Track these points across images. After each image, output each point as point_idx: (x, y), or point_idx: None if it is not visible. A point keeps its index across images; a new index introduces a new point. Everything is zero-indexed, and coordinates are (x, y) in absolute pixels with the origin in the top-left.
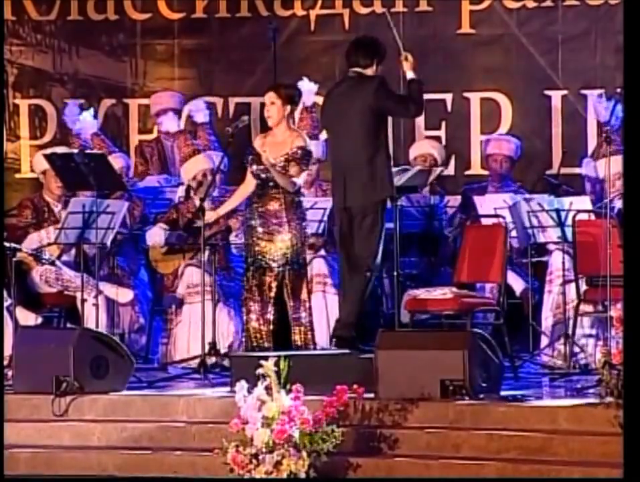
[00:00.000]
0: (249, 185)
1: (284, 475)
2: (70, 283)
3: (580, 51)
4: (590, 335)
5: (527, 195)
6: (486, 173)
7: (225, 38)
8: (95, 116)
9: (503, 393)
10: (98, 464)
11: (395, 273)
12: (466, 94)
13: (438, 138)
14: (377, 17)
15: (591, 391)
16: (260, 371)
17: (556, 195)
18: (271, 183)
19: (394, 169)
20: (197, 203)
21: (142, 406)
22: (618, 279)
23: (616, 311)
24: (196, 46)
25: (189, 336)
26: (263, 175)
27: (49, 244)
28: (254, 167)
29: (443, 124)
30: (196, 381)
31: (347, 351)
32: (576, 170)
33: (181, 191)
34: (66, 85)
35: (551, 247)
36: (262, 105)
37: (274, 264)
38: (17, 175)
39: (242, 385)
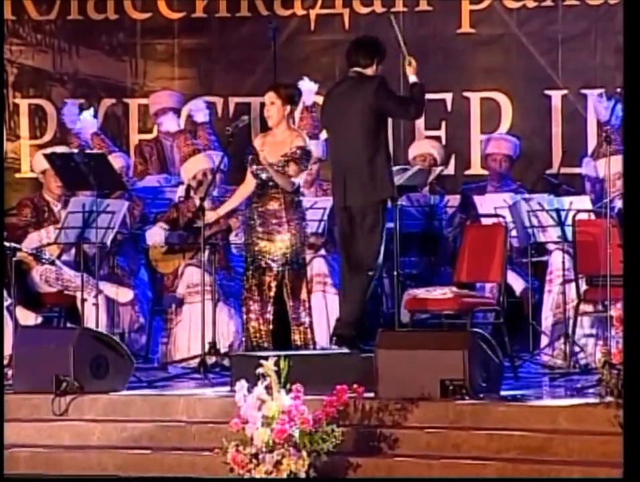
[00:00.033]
0: (249, 184)
1: (284, 475)
2: (70, 283)
3: (580, 51)
4: (590, 335)
5: (527, 195)
6: (486, 172)
7: (225, 38)
8: (95, 116)
9: (503, 393)
10: (98, 464)
11: (395, 273)
12: (466, 94)
13: (438, 138)
14: (377, 16)
15: (591, 391)
16: (260, 370)
17: (556, 195)
18: (271, 183)
19: (394, 169)
20: (197, 202)
21: (142, 405)
22: (618, 279)
23: (616, 311)
24: (196, 46)
25: (189, 336)
26: (263, 175)
27: (49, 244)
28: (254, 166)
29: (443, 124)
30: (196, 380)
31: (347, 351)
32: (576, 170)
33: (181, 191)
34: (66, 85)
35: (551, 247)
36: (262, 105)
37: (273, 264)
38: (17, 175)
39: (242, 385)
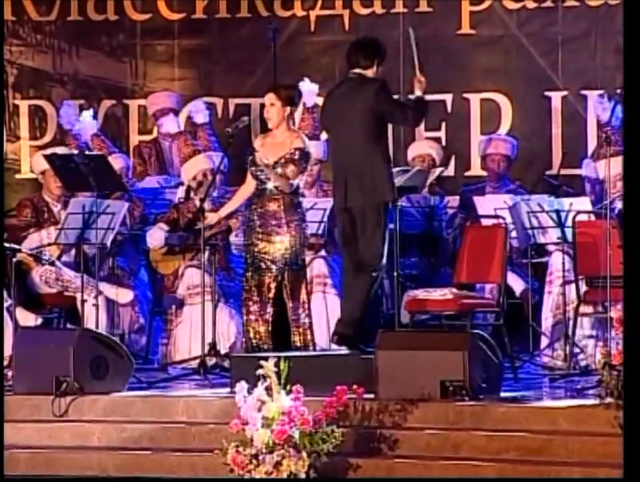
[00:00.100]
0: (249, 185)
1: (284, 476)
2: (70, 283)
3: (580, 52)
4: (590, 336)
5: (527, 196)
6: (486, 174)
7: (225, 38)
8: (95, 117)
9: (503, 394)
10: (98, 464)
11: (395, 273)
12: (466, 95)
13: (438, 139)
14: (377, 17)
15: (591, 392)
16: (260, 371)
17: (556, 196)
18: (270, 184)
19: (394, 170)
20: (197, 203)
21: (142, 406)
22: (618, 280)
23: (616, 312)
24: (196, 46)
25: (190, 337)
26: (262, 176)
27: (49, 244)
28: (254, 167)
29: (443, 125)
30: (196, 381)
31: (346, 351)
32: (576, 171)
33: (181, 192)
34: (66, 85)
35: (551, 248)
36: (262, 106)
37: (273, 265)
38: (17, 176)
39: (242, 386)
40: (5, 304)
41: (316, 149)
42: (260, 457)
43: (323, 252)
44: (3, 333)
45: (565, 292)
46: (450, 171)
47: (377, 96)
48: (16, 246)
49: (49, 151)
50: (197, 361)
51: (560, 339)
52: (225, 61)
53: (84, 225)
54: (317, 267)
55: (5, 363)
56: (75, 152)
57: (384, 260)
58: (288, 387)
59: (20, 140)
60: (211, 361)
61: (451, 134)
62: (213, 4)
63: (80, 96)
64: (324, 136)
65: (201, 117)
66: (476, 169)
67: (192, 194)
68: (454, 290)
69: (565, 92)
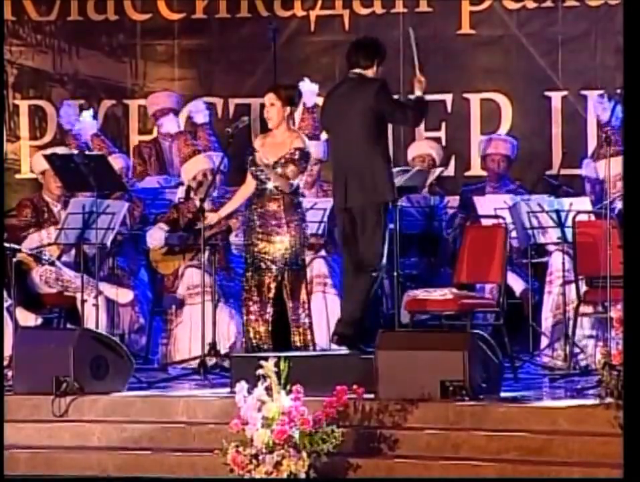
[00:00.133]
0: (249, 185)
1: (284, 476)
2: (70, 283)
3: (580, 52)
4: (590, 336)
5: (527, 195)
6: (486, 173)
7: (225, 38)
8: (95, 117)
9: (503, 394)
10: (98, 464)
11: (395, 273)
12: (466, 95)
13: (438, 139)
14: (377, 17)
15: (591, 392)
16: (260, 371)
17: (556, 196)
18: (270, 184)
19: (394, 170)
20: (197, 203)
21: (142, 406)
22: (618, 280)
23: (616, 312)
24: (196, 46)
25: (190, 337)
26: (262, 176)
27: (49, 244)
28: (253, 167)
29: (443, 125)
30: (196, 381)
31: (346, 351)
32: (576, 171)
33: (181, 192)
34: (66, 85)
35: (551, 248)
36: (262, 106)
37: (273, 265)
38: (17, 176)
39: (242, 386)
40: (5, 304)
41: (316, 149)
42: (260, 457)
43: (323, 252)
44: (3, 333)
45: (565, 292)
46: (450, 171)
47: (377, 96)
48: (16, 246)
49: (49, 151)
50: (197, 361)
51: (560, 339)
52: (225, 61)
53: (84, 225)
54: (317, 267)
55: (5, 363)
56: (75, 152)
57: (384, 260)
58: (288, 387)
59: (20, 140)
60: (211, 361)
61: (451, 134)
62: (213, 4)
63: (80, 96)
64: (324, 136)
65: (201, 117)
66: (476, 169)
67: (192, 194)
68: (454, 290)
69: (565, 92)
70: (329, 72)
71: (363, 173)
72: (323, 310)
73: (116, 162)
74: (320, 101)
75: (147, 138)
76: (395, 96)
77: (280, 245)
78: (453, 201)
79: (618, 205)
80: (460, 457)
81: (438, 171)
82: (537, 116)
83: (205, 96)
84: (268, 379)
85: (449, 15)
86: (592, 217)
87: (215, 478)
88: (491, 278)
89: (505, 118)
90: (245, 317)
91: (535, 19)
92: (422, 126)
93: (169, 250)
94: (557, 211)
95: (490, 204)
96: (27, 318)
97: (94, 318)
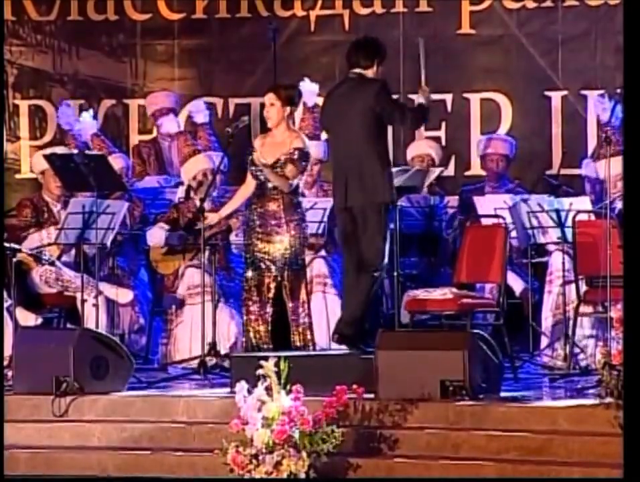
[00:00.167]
0: (249, 185)
1: (284, 476)
2: (70, 283)
3: (580, 52)
4: (590, 336)
5: (526, 195)
6: (485, 173)
7: (225, 38)
8: (95, 117)
9: (503, 393)
10: (98, 464)
11: (395, 273)
12: (466, 95)
13: (438, 139)
14: (377, 17)
15: (591, 391)
16: (260, 371)
17: (556, 196)
18: (270, 184)
19: (394, 170)
20: (197, 203)
21: (142, 406)
22: (618, 280)
23: (616, 312)
24: (196, 46)
25: (190, 336)
26: (262, 176)
27: (49, 244)
28: (253, 167)
29: (443, 124)
30: (196, 381)
31: (346, 351)
32: (576, 170)
33: (181, 192)
34: (66, 85)
35: (551, 247)
36: (262, 105)
37: (272, 265)
38: (17, 176)
39: (242, 386)
40: (5, 304)
41: (316, 149)
42: (260, 457)
43: (323, 252)
44: (3, 333)
45: (565, 292)
46: (450, 170)
47: (377, 96)
48: (16, 246)
49: (49, 151)
50: (197, 361)
51: (559, 339)
52: (225, 61)
53: (83, 225)
54: (317, 267)
55: (5, 363)
56: (75, 152)
57: (386, 260)
58: (288, 387)
59: (20, 140)
60: (211, 361)
61: (451, 133)
62: (213, 4)
63: (80, 95)
64: (324, 136)
65: (202, 117)
66: (476, 169)
67: (192, 194)
68: (454, 290)
69: (565, 92)
70: (329, 72)
71: (363, 173)
72: (323, 310)
73: (116, 162)
74: (320, 101)
75: (147, 138)
76: (395, 96)
77: (279, 245)
78: (453, 201)
79: (619, 205)
80: (460, 457)
81: (437, 171)
82: (537, 116)
83: (205, 95)
84: (268, 379)
85: (449, 15)
86: (592, 217)
87: (215, 478)
88: (491, 278)
89: (505, 117)
90: (245, 317)
91: (535, 18)
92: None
93: (169, 250)
94: (557, 211)
95: (490, 204)
96: (27, 318)
97: (94, 318)
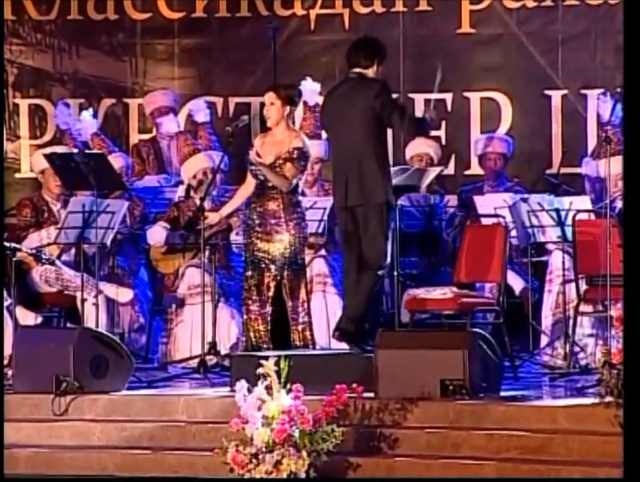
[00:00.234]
0: (250, 185)
1: (284, 475)
2: (70, 283)
3: (580, 51)
4: (590, 335)
5: (526, 193)
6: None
7: (225, 38)
8: (95, 116)
9: (503, 392)
10: (98, 464)
11: (395, 273)
12: (466, 94)
13: (438, 138)
14: (377, 16)
15: (591, 390)
16: (260, 370)
17: (556, 195)
18: (270, 183)
19: (394, 169)
20: (198, 202)
21: (142, 405)
22: (618, 279)
23: (616, 311)
24: (196, 46)
25: (190, 336)
26: (261, 175)
27: (49, 244)
28: (253, 166)
29: (443, 124)
30: (196, 380)
31: (347, 350)
32: (576, 170)
33: (181, 191)
34: (66, 85)
35: (551, 246)
36: (262, 105)
37: (272, 264)
38: (17, 175)
39: (242, 385)
40: (5, 304)
41: (317, 148)
42: (260, 456)
43: (323, 252)
44: (3, 332)
45: (565, 291)
46: (450, 169)
47: (378, 96)
48: (16, 246)
49: (49, 150)
50: (197, 360)
51: (559, 338)
52: (225, 60)
53: (83, 225)
54: (317, 266)
55: (5, 362)
56: (75, 151)
57: (389, 259)
58: (288, 386)
59: (20, 139)
60: (211, 361)
61: (451, 133)
62: (213, 3)
63: (80, 95)
64: (325, 135)
65: (202, 116)
66: (476, 168)
67: (192, 193)
68: (454, 289)
69: (565, 91)
70: (329, 71)
71: (362, 173)
72: (323, 310)
73: (116, 161)
74: (321, 100)
75: (147, 137)
76: (395, 95)
77: (279, 244)
78: (453, 200)
79: (619, 204)
80: (460, 456)
81: (437, 170)
82: (537, 115)
83: (205, 95)
84: (268, 378)
85: (449, 14)
86: (592, 216)
87: (215, 477)
88: (490, 277)
89: (505, 117)
90: (245, 316)
91: (535, 17)
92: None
93: (169, 249)
94: (557, 210)
95: (490, 203)
96: (27, 318)
97: (94, 317)
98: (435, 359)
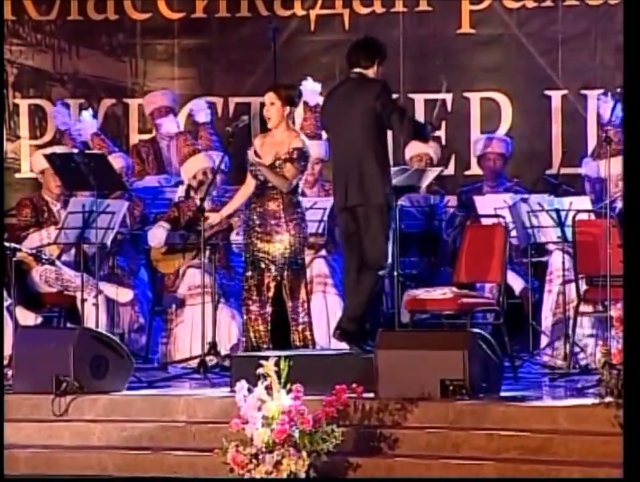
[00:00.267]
0: (250, 185)
1: (284, 475)
2: (70, 283)
3: (580, 51)
4: (590, 335)
5: (525, 193)
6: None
7: (225, 38)
8: (95, 116)
9: (503, 393)
10: (98, 464)
11: (395, 273)
12: (466, 94)
13: (438, 139)
14: (377, 16)
15: (591, 391)
16: (260, 371)
17: (556, 195)
18: (269, 184)
19: (394, 170)
20: (198, 202)
21: (142, 405)
22: (618, 279)
23: (616, 311)
24: (196, 46)
25: (190, 336)
26: (261, 176)
27: (49, 244)
28: (252, 167)
29: (443, 124)
30: (196, 381)
31: (347, 350)
32: (576, 170)
33: (181, 191)
34: (66, 85)
35: (551, 247)
36: (262, 105)
37: (272, 265)
38: (17, 175)
39: (242, 385)
40: (5, 304)
41: (318, 148)
42: (260, 456)
43: (323, 252)
44: (3, 332)
45: (565, 291)
46: (451, 170)
47: (378, 97)
48: (16, 246)
49: (49, 150)
50: (197, 360)
51: (559, 338)
52: (225, 61)
53: (83, 225)
54: (318, 267)
55: (5, 362)
56: (76, 151)
57: (390, 259)
58: (288, 386)
59: (20, 139)
60: (211, 361)
61: (451, 133)
62: (213, 3)
63: (80, 95)
64: (326, 135)
65: (203, 116)
66: (476, 169)
67: (192, 193)
68: (454, 289)
69: (565, 91)
70: (329, 72)
71: (362, 174)
72: (323, 310)
73: (116, 161)
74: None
75: (147, 137)
76: (395, 96)
77: (279, 244)
78: (453, 200)
79: (619, 204)
80: (460, 456)
81: (436, 170)
82: (537, 116)
83: (205, 95)
84: (268, 379)
85: (449, 15)
86: (592, 217)
87: (215, 478)
88: (490, 278)
89: (505, 117)
90: (245, 316)
91: (535, 18)
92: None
93: (169, 249)
94: (558, 211)
95: (490, 203)
96: (27, 318)
97: (94, 317)
98: (435, 359)
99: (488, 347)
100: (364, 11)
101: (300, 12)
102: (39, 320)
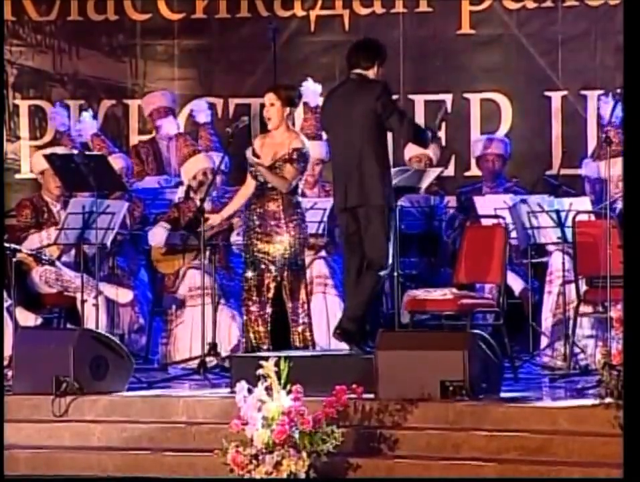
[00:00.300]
0: (250, 186)
1: (284, 476)
2: (70, 283)
3: (580, 52)
4: (590, 336)
5: (525, 194)
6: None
7: (225, 38)
8: (95, 117)
9: (503, 393)
10: (98, 464)
11: (395, 273)
12: (466, 95)
13: (438, 139)
14: (377, 17)
15: (591, 391)
16: (260, 371)
17: (556, 196)
18: (270, 184)
19: (393, 170)
20: (198, 203)
21: (142, 406)
22: (618, 280)
23: (616, 312)
24: (196, 46)
25: (190, 337)
26: (261, 176)
27: (49, 245)
28: (252, 168)
29: (443, 124)
30: (196, 381)
31: (347, 351)
32: (576, 171)
33: (180, 192)
34: (66, 85)
35: (551, 248)
36: (262, 106)
37: (272, 265)
38: (17, 176)
39: (242, 386)
40: (5, 304)
41: (318, 149)
42: (260, 457)
43: (323, 253)
44: (3, 333)
45: (565, 292)
46: (450, 170)
47: (379, 98)
48: (16, 246)
49: (49, 151)
50: (197, 361)
51: (559, 339)
52: (225, 61)
53: (83, 225)
54: (318, 268)
55: (5, 363)
56: (76, 152)
57: (391, 260)
58: (288, 387)
59: (20, 140)
60: (211, 362)
61: (451, 134)
62: (213, 4)
63: (80, 96)
64: (326, 136)
65: (203, 116)
66: (476, 169)
67: (192, 194)
68: (454, 290)
69: (565, 92)
70: (329, 72)
71: (362, 174)
72: (323, 311)
73: (116, 162)
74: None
75: (147, 138)
76: (395, 96)
77: (279, 245)
78: (453, 201)
79: (619, 205)
80: (460, 457)
81: (436, 171)
82: (537, 116)
83: (205, 95)
84: (268, 379)
85: (449, 15)
86: (592, 217)
87: (215, 478)
88: (490, 278)
89: (504, 118)
90: (245, 317)
91: (535, 18)
92: (423, 126)
93: (169, 250)
94: (557, 211)
95: (490, 204)
96: (27, 318)
97: (94, 318)
98: (435, 360)
99: (488, 348)
100: (364, 11)
101: (300, 13)
102: (39, 321)
